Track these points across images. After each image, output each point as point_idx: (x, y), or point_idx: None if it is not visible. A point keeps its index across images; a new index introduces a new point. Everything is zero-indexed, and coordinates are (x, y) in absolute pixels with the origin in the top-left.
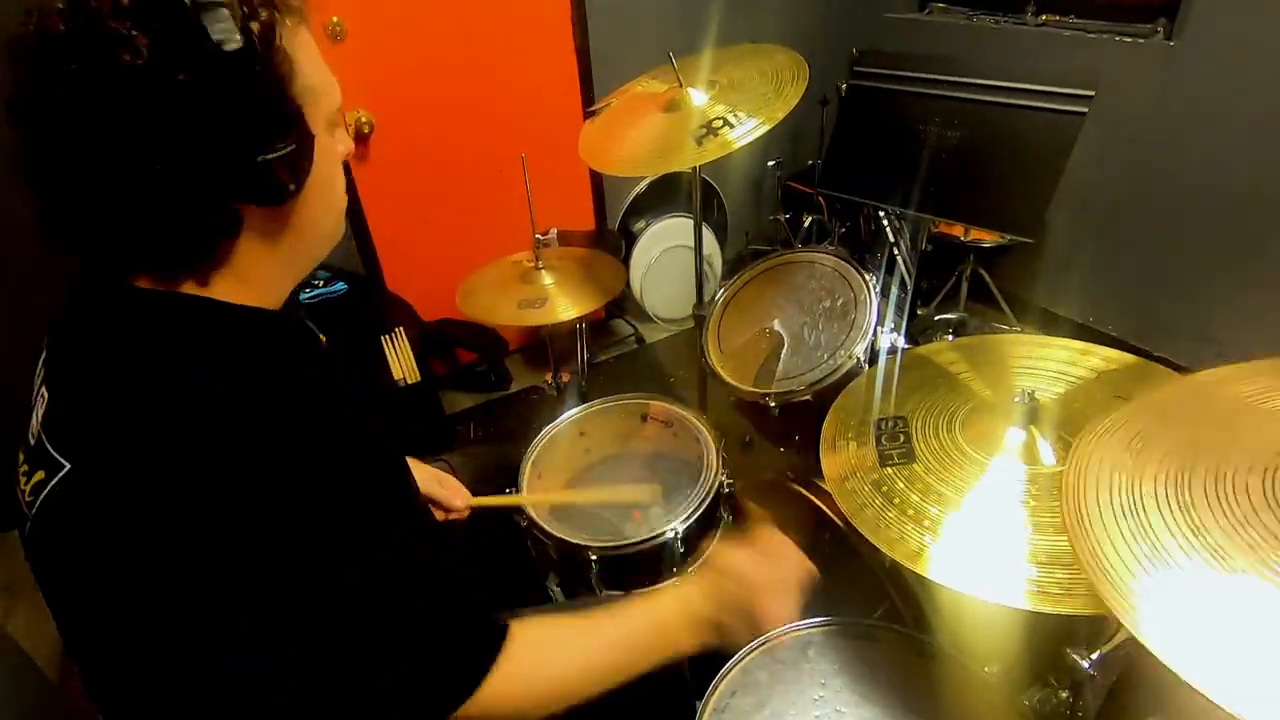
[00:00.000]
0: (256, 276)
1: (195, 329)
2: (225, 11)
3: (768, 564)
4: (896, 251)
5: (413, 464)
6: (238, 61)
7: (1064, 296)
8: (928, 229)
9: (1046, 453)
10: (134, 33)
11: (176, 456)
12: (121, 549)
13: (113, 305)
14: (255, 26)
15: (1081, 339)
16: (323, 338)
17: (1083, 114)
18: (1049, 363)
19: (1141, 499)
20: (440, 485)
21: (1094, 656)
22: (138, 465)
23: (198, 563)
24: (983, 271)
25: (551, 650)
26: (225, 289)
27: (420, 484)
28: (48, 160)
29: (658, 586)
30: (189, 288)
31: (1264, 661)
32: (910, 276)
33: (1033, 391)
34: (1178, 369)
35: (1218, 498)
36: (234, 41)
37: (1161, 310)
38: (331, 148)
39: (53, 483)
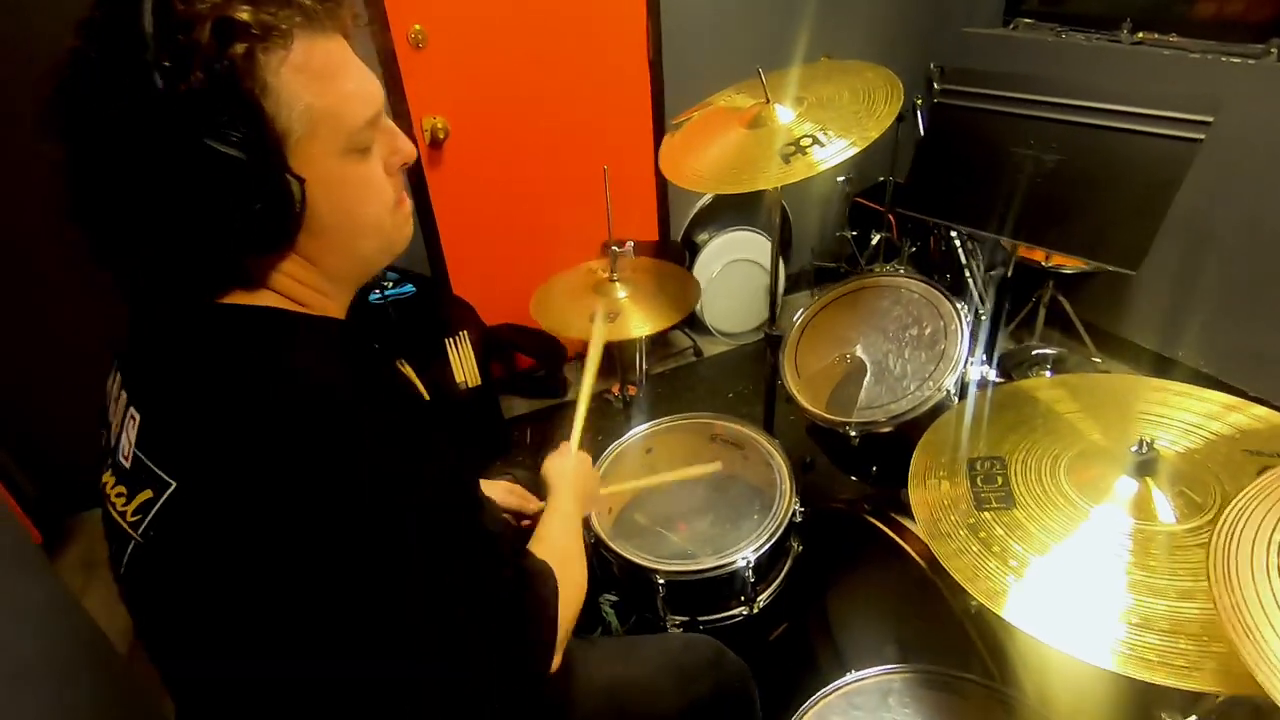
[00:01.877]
0: (304, 294)
1: (265, 340)
2: (158, 70)
3: (574, 463)
4: (968, 274)
5: (484, 483)
6: (174, 123)
7: (1151, 329)
8: (1014, 254)
9: (1164, 507)
10: (96, 83)
11: (273, 464)
12: (235, 554)
13: (184, 322)
14: (199, 78)
15: (1167, 374)
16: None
17: (1199, 140)
18: (1170, 410)
19: None
20: (512, 494)
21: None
22: (239, 476)
23: (297, 564)
24: (1062, 299)
25: (561, 557)
26: (285, 301)
27: (496, 499)
28: (70, 191)
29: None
30: (253, 299)
31: None
32: (998, 305)
33: (1152, 440)
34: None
35: None
36: (168, 100)
37: (1259, 348)
38: (356, 173)
39: (161, 500)
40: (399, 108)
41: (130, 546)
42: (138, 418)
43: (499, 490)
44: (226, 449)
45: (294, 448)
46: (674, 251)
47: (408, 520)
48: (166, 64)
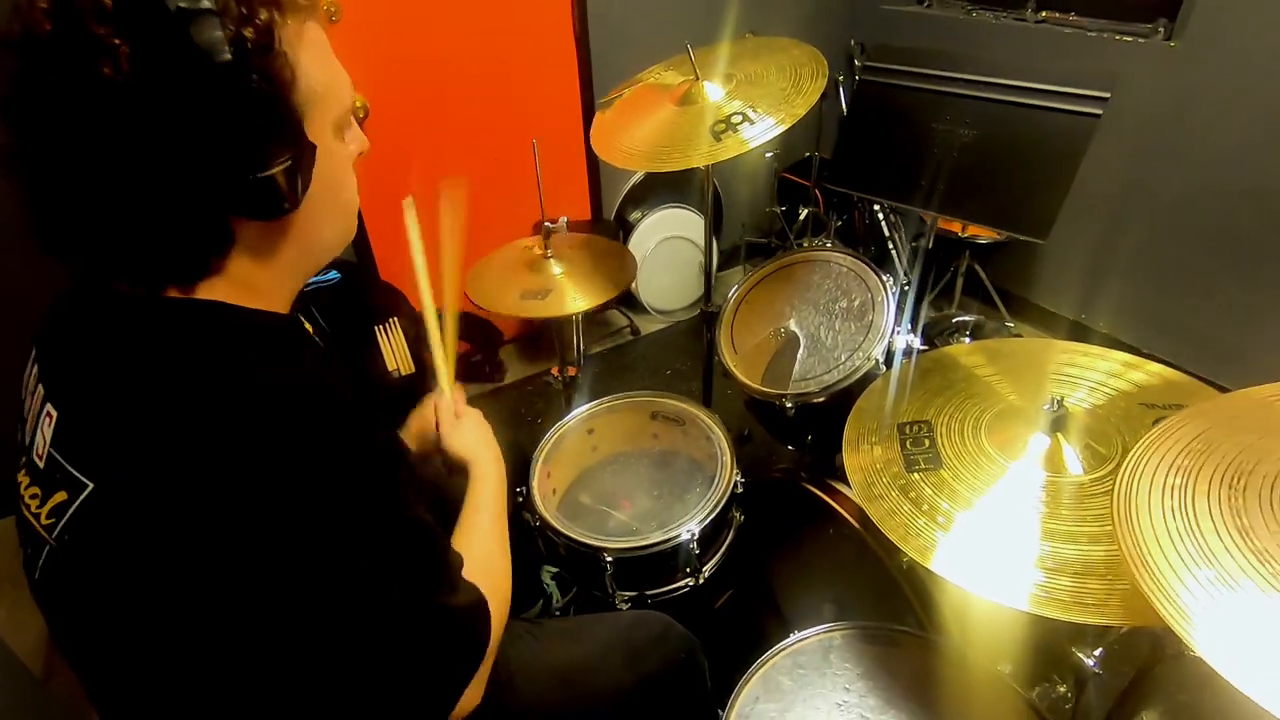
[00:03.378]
0: (259, 282)
1: (204, 338)
2: (215, 20)
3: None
4: (892, 246)
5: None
6: (226, 74)
7: (1059, 294)
8: (934, 226)
9: (1073, 460)
10: (116, 40)
11: (196, 467)
12: (154, 558)
13: (115, 314)
14: (249, 33)
15: (1075, 337)
16: (317, 340)
17: (1097, 115)
18: (1078, 370)
19: (1194, 500)
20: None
21: (1097, 653)
22: (164, 480)
23: (218, 567)
24: (978, 268)
25: (489, 565)
26: (230, 293)
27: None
28: (31, 162)
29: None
30: (199, 292)
31: None
32: (921, 274)
33: (1062, 398)
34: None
35: (1271, 504)
36: (223, 52)
37: (1157, 309)
38: (339, 152)
39: (77, 503)
40: None
41: (45, 551)
42: (54, 415)
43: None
44: (151, 451)
45: (225, 454)
46: (607, 230)
47: (340, 536)
48: (200, 15)
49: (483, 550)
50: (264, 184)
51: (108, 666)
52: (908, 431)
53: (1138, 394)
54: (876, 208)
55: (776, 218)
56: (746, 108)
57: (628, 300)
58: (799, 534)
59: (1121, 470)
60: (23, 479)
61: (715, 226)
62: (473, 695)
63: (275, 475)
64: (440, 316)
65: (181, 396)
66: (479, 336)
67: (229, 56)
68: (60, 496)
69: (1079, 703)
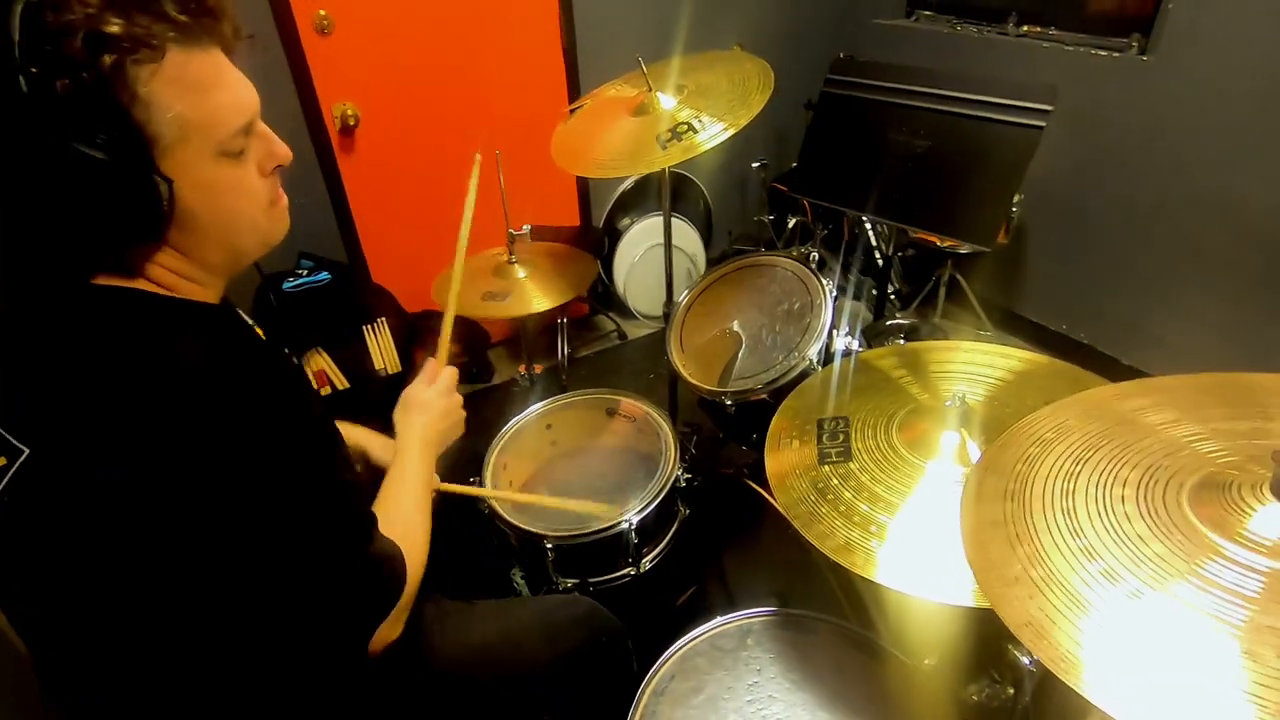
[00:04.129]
0: (178, 280)
1: (130, 317)
2: (25, 76)
3: (428, 395)
4: (878, 255)
5: (384, 443)
6: (50, 120)
7: (1037, 303)
8: (909, 235)
9: (975, 454)
10: None
11: (118, 432)
12: (84, 517)
13: (50, 299)
14: (64, 84)
15: (1055, 346)
16: (259, 331)
17: (1040, 128)
18: (982, 368)
19: (1030, 498)
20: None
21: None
22: (90, 444)
23: (144, 520)
24: (959, 277)
25: (408, 527)
26: (154, 285)
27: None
28: None
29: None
30: (124, 282)
31: (1119, 648)
32: (893, 281)
33: (964, 395)
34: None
35: (1097, 499)
36: (45, 97)
37: (1131, 320)
38: (228, 175)
39: (15, 467)
40: (306, 95)
41: None
42: None
43: (376, 442)
44: (85, 417)
45: (149, 419)
46: (594, 236)
47: (254, 491)
48: (33, 70)
49: (399, 513)
50: (117, 217)
51: (44, 620)
52: (825, 427)
53: (1041, 391)
54: (865, 218)
55: (765, 226)
56: (694, 116)
57: (616, 305)
58: (749, 530)
59: (980, 458)
60: None
61: (705, 236)
62: (389, 630)
63: (195, 436)
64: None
65: (109, 370)
66: (466, 338)
67: (42, 108)
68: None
69: (1018, 701)
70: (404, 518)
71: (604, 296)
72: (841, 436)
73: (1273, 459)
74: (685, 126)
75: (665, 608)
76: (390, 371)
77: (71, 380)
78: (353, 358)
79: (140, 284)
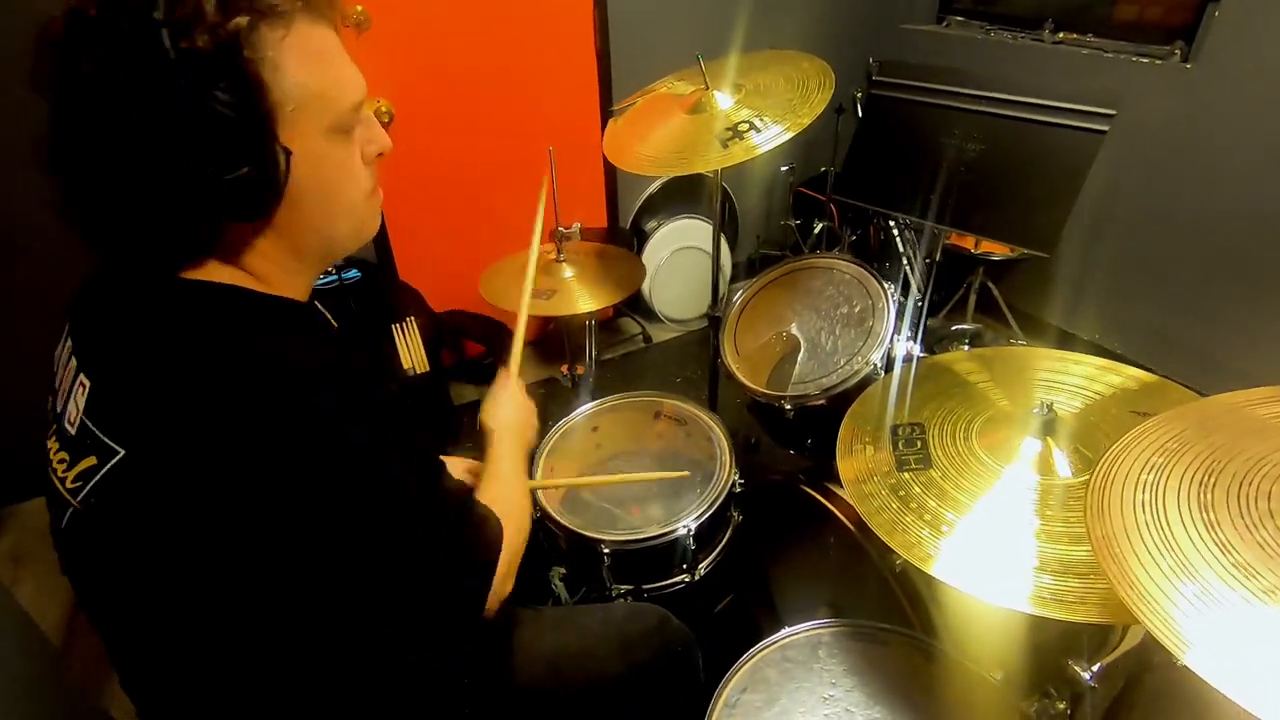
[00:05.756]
0: (271, 271)
1: (224, 316)
2: (169, 27)
3: (509, 404)
4: (906, 261)
5: (447, 460)
6: (179, 81)
7: (1071, 313)
8: (941, 240)
9: (1062, 464)
10: (97, 45)
11: (220, 435)
12: (180, 523)
13: (144, 293)
14: (205, 40)
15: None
16: (334, 324)
17: (1103, 132)
18: (1069, 377)
19: (1164, 501)
20: (472, 475)
21: (1095, 669)
22: (194, 448)
23: (245, 527)
24: (991, 285)
25: (504, 499)
26: (245, 279)
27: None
28: (51, 147)
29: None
30: (213, 276)
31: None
32: (925, 287)
33: (1051, 404)
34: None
35: (1238, 503)
36: (175, 59)
37: (1170, 331)
38: (337, 153)
39: (106, 468)
40: None
41: (69, 514)
42: (88, 384)
43: (459, 466)
44: (183, 420)
45: (250, 424)
46: (623, 238)
47: (362, 501)
48: (174, 24)
49: (499, 489)
50: (231, 187)
51: (128, 625)
52: (900, 433)
53: (1122, 399)
54: (891, 223)
55: (791, 231)
56: (754, 116)
57: (641, 308)
58: (797, 537)
59: (1097, 467)
60: (52, 444)
61: (730, 239)
62: (502, 586)
63: (294, 443)
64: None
65: (205, 370)
66: (493, 339)
67: (180, 64)
68: (89, 461)
69: (1074, 718)
70: (503, 492)
71: (630, 299)
72: (919, 443)
73: None
74: (747, 125)
75: (705, 614)
76: (419, 371)
77: (168, 381)
78: (384, 356)
79: (236, 274)
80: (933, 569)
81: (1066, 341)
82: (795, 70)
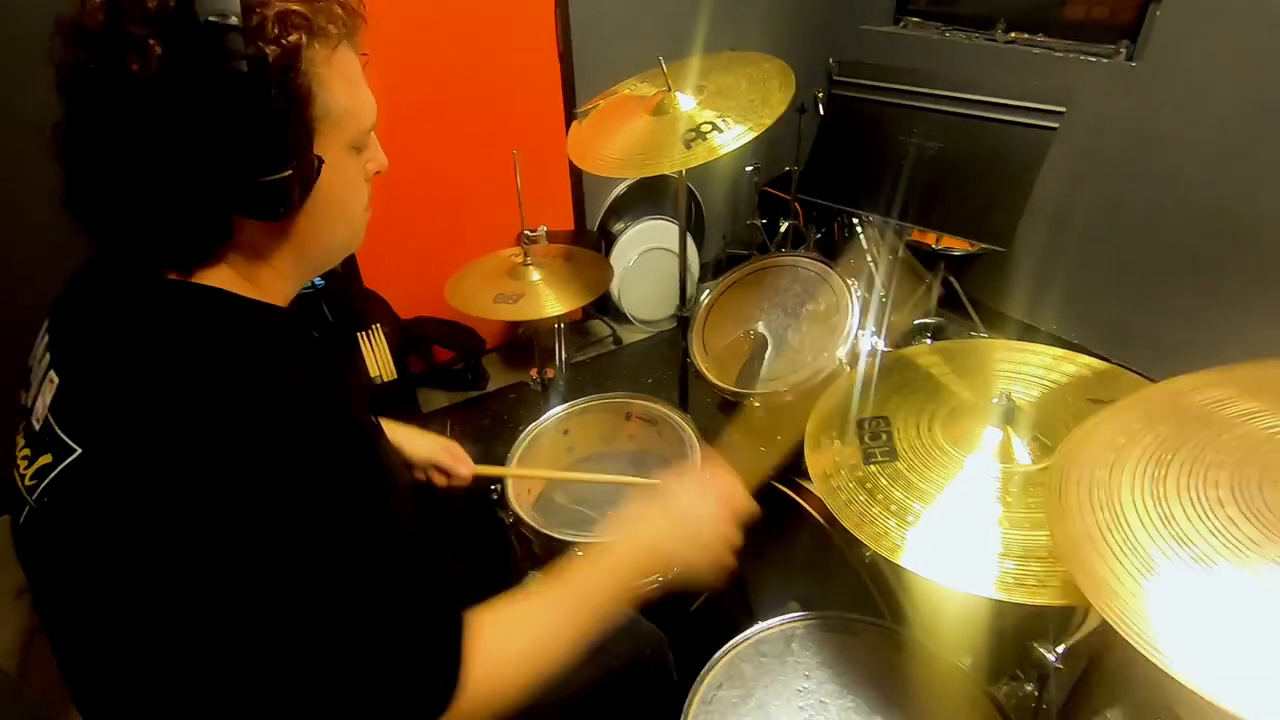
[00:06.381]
0: (260, 276)
1: (205, 319)
2: (242, 34)
3: (707, 495)
4: (870, 258)
5: (420, 434)
6: (244, 85)
7: (1029, 305)
8: (904, 237)
9: (1022, 452)
10: (151, 41)
11: (184, 442)
12: (128, 531)
13: (125, 292)
14: (272, 51)
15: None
16: (316, 336)
17: (1053, 129)
18: (1026, 367)
19: (1120, 501)
20: (447, 453)
21: (1060, 650)
22: (148, 450)
23: (194, 545)
24: (952, 279)
25: (514, 632)
26: (231, 282)
27: (428, 452)
28: (69, 135)
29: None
30: (200, 278)
31: (1221, 635)
32: (889, 283)
33: (1010, 393)
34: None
35: (1189, 490)
36: (245, 64)
37: (1125, 322)
38: (352, 167)
39: (61, 467)
40: None
41: (25, 511)
42: (56, 381)
43: (434, 446)
44: (141, 421)
45: (208, 430)
46: (590, 241)
47: (316, 523)
48: (246, 32)
49: (534, 630)
50: (265, 188)
51: (75, 630)
52: (866, 427)
53: (1078, 387)
54: (855, 221)
55: (757, 230)
56: (717, 117)
57: (611, 310)
58: (770, 533)
59: (1055, 458)
60: (19, 440)
61: (697, 239)
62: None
63: (258, 455)
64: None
65: (175, 373)
66: (461, 344)
67: (248, 70)
68: (45, 459)
69: (1042, 699)
70: (532, 637)
71: (599, 301)
72: (884, 436)
73: None
74: (710, 126)
75: (681, 614)
76: (386, 379)
77: (134, 381)
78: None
79: (223, 275)
80: (900, 559)
81: (1027, 334)
82: (756, 71)
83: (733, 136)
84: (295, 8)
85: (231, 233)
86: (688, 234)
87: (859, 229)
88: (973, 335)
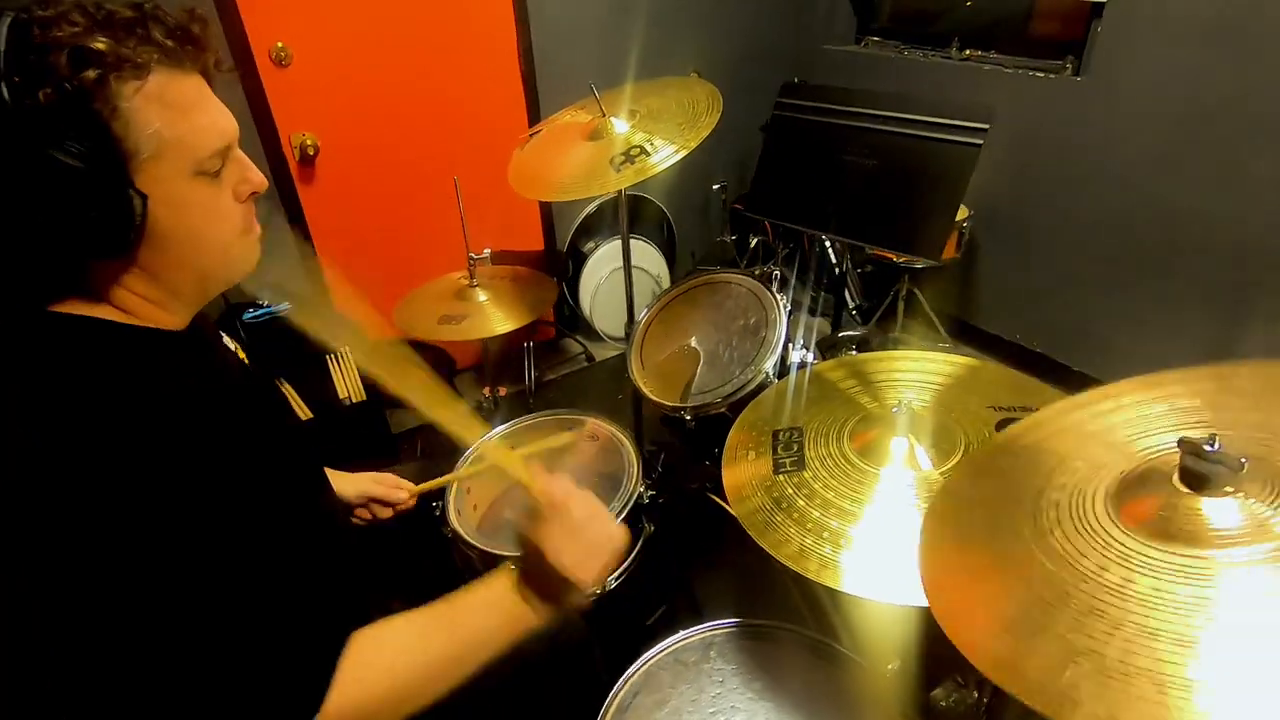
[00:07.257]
0: (136, 305)
1: (82, 347)
2: (25, 78)
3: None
4: (840, 272)
5: (344, 475)
6: (23, 135)
7: (992, 315)
8: (865, 251)
9: (924, 459)
10: None
11: (59, 470)
12: (11, 563)
13: (13, 325)
14: (45, 96)
15: (1011, 355)
16: (242, 354)
17: (978, 145)
18: (929, 376)
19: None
20: (379, 484)
21: None
22: (24, 481)
23: (66, 573)
24: (916, 291)
25: (392, 651)
26: (115, 313)
27: (357, 489)
28: None
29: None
30: (77, 308)
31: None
32: (853, 296)
33: (908, 401)
34: (1095, 382)
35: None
36: (24, 106)
37: (1078, 327)
38: (202, 195)
39: None
40: (265, 126)
41: None
42: None
43: (363, 482)
44: (33, 452)
45: (89, 458)
46: (558, 260)
47: (219, 541)
48: (16, 80)
49: (417, 652)
50: (87, 228)
51: None
52: (780, 438)
53: (985, 395)
54: (825, 237)
55: (728, 247)
56: (646, 140)
57: (583, 327)
58: (713, 545)
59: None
60: None
61: (669, 257)
62: None
63: (136, 481)
64: None
65: (60, 401)
66: (431, 365)
67: (24, 119)
68: None
69: (982, 700)
70: (414, 657)
71: (571, 320)
72: (795, 446)
73: (1179, 446)
74: (638, 149)
75: (636, 626)
76: (355, 400)
77: (19, 411)
78: (316, 387)
79: (103, 310)
80: (802, 568)
81: (991, 343)
82: (687, 94)
83: (663, 157)
84: (94, 45)
85: (84, 268)
86: (658, 251)
87: (827, 244)
88: (940, 347)
